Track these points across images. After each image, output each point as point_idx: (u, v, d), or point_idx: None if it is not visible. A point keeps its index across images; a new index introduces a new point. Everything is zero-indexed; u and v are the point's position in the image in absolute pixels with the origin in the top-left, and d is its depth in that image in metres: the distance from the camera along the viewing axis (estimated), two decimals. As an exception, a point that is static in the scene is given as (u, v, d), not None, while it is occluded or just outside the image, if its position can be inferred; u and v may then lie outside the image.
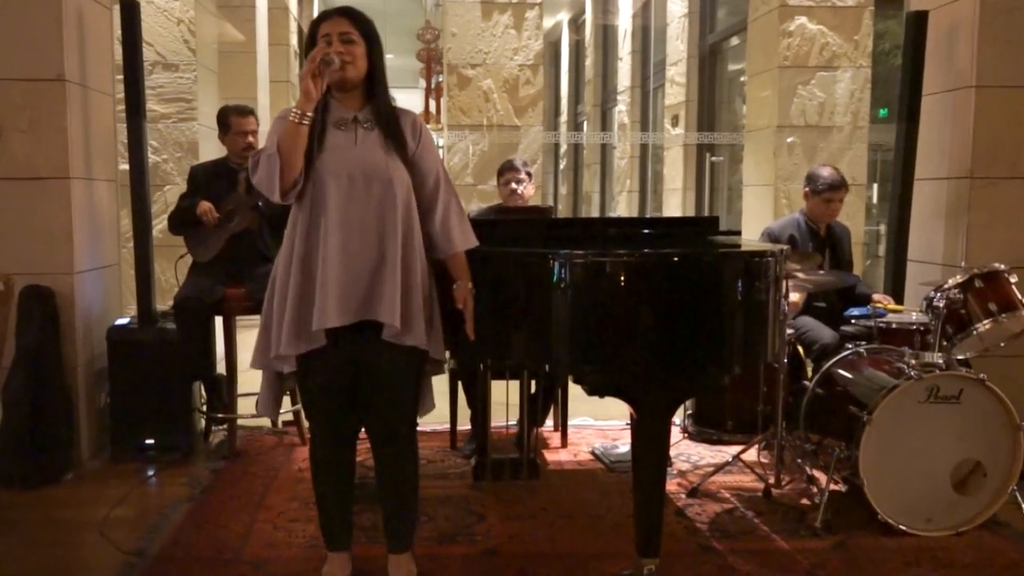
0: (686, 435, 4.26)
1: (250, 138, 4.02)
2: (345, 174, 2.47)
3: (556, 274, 2.60)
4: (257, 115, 4.16)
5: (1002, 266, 3.44)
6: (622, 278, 2.54)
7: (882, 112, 6.88)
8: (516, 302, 2.68)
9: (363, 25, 2.52)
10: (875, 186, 7.39)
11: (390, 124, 2.53)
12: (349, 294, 2.46)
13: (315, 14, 11.37)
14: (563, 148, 14.05)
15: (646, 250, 2.60)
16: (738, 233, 3.25)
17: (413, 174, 2.55)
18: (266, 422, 4.38)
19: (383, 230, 2.47)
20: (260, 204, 3.86)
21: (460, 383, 3.99)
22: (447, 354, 2.74)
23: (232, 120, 4.02)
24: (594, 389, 2.65)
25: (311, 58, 2.40)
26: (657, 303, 2.53)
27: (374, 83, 2.54)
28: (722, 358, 2.61)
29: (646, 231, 3.28)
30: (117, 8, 4.10)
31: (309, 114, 2.41)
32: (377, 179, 2.47)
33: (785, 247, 2.95)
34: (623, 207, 10.46)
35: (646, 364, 2.54)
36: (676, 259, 2.56)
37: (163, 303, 4.35)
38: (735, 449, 3.79)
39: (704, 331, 2.56)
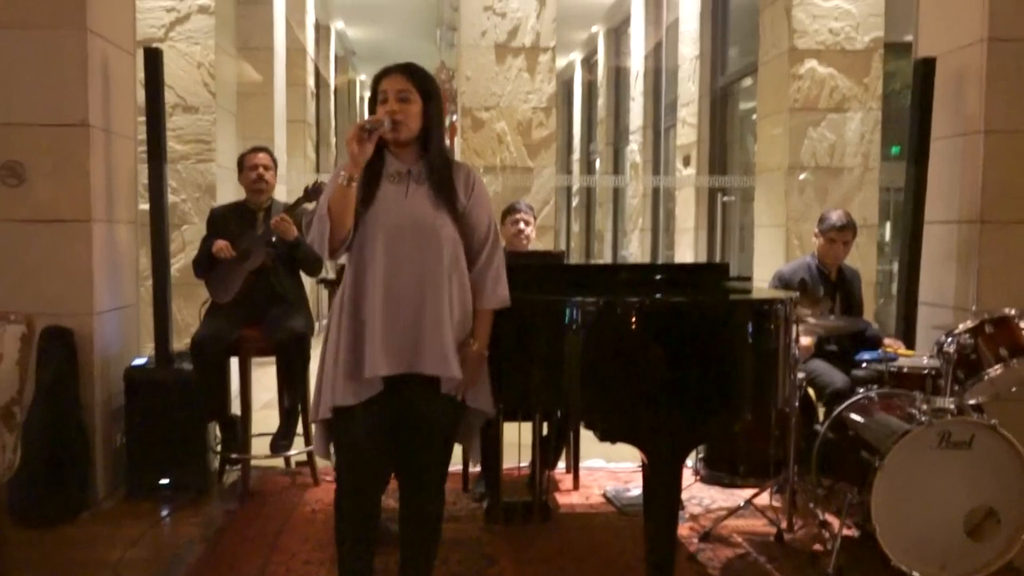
0: (698, 478, 4.25)
1: (260, 170, 4.11)
2: (393, 226, 2.53)
3: (568, 320, 2.64)
4: (272, 153, 4.24)
5: (1012, 311, 3.44)
6: (634, 325, 2.58)
7: (894, 150, 6.91)
8: (530, 348, 2.73)
9: (421, 82, 2.58)
10: (887, 224, 7.40)
11: (442, 179, 2.58)
12: (397, 344, 2.50)
13: (331, 54, 11.59)
14: (575, 186, 14.14)
15: (657, 297, 2.64)
16: (749, 279, 3.28)
17: (463, 228, 2.59)
18: (279, 462, 4.40)
19: (427, 282, 2.52)
20: (273, 239, 3.93)
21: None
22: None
23: (245, 159, 4.17)
24: (605, 435, 2.67)
25: (358, 125, 2.48)
26: (668, 350, 2.56)
27: (429, 138, 2.59)
28: (732, 405, 2.64)
29: (657, 277, 3.31)
30: (139, 53, 4.21)
31: (356, 176, 2.48)
32: (423, 232, 2.53)
33: (794, 294, 2.98)
34: (635, 246, 10.50)
35: (657, 411, 2.57)
36: (688, 306, 2.60)
37: (178, 342, 4.40)
38: (747, 493, 3.78)
39: (715, 378, 2.59)
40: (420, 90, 2.57)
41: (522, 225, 4.18)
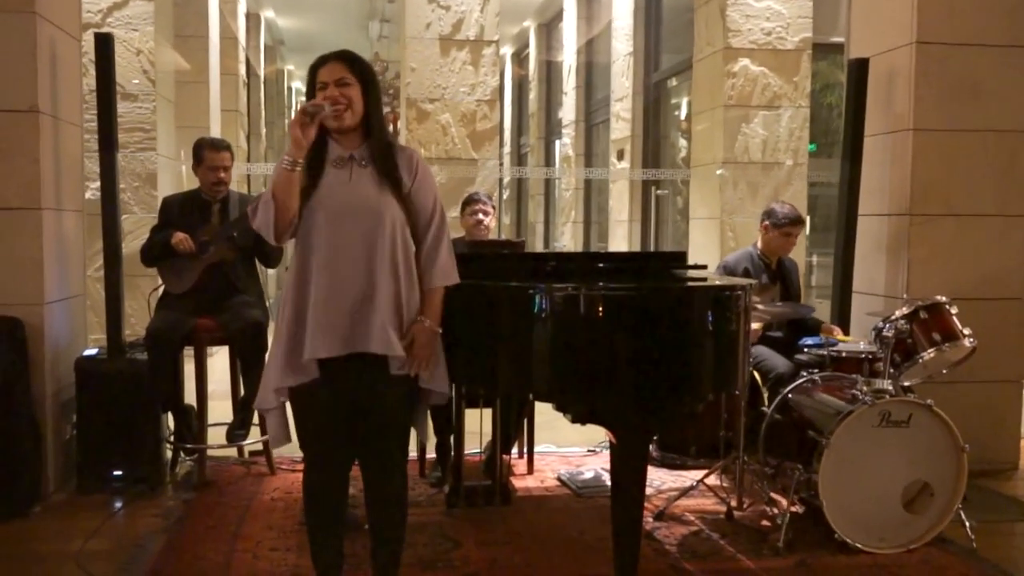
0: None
1: (222, 173, 4.05)
2: (334, 210, 2.55)
3: (539, 307, 2.73)
4: (232, 149, 4.19)
5: (943, 298, 3.67)
6: (604, 310, 2.68)
7: (811, 147, 7.20)
8: (499, 334, 2.81)
9: (359, 68, 2.61)
10: (808, 219, 7.70)
11: (385, 161, 2.62)
12: (337, 325, 2.53)
13: (261, 44, 11.42)
14: (507, 179, 14.23)
15: (630, 284, 2.75)
16: (704, 267, 3.41)
17: (408, 209, 2.63)
18: (232, 452, 4.38)
19: (372, 264, 2.55)
20: (235, 235, 3.91)
21: (429, 410, 4.06)
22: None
23: (206, 154, 4.05)
24: (576, 417, 2.77)
25: (301, 110, 2.49)
26: (638, 335, 2.67)
27: (371, 122, 2.63)
28: (697, 386, 2.77)
29: (618, 264, 3.43)
30: (85, 39, 4.14)
31: (300, 161, 2.49)
32: (366, 214, 2.56)
33: (753, 281, 3.13)
34: (568, 238, 10.67)
35: (628, 393, 2.68)
36: (658, 293, 2.72)
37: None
38: (696, 473, 3.94)
39: (682, 361, 2.71)
40: (358, 76, 2.60)
41: (480, 216, 4.25)
